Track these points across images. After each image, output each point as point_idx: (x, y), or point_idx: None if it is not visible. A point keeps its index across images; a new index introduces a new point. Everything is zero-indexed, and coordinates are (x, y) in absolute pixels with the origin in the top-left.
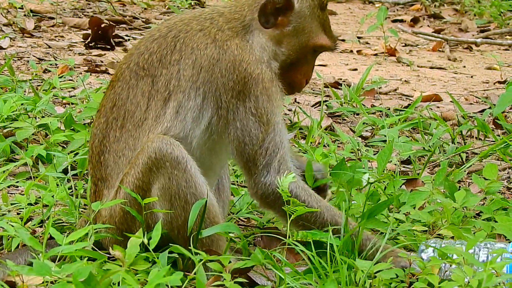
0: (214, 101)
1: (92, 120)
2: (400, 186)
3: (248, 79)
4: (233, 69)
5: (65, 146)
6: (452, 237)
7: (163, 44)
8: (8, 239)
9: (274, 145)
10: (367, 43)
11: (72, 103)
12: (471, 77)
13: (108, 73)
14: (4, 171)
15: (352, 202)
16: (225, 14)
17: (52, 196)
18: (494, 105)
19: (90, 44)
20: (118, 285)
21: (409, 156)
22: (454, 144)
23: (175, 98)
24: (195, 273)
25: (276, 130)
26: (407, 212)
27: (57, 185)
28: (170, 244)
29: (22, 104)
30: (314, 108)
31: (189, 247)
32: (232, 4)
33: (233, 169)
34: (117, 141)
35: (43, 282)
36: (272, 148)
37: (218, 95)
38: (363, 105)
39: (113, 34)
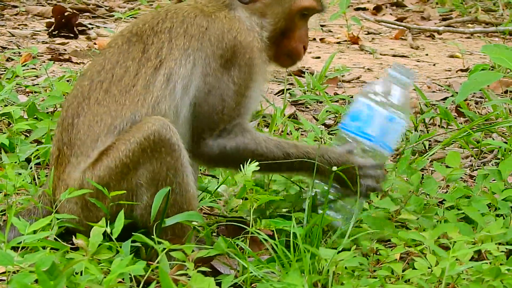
0: (204, 68)
1: (55, 109)
2: None
3: (238, 47)
4: (222, 37)
5: (28, 135)
6: None
7: (156, 16)
8: None
9: (238, 115)
10: (330, 31)
11: (35, 92)
12: (434, 65)
13: (72, 62)
14: None
15: (316, 190)
16: None
17: (13, 185)
18: (457, 93)
19: (53, 33)
20: (81, 274)
21: None
22: (417, 132)
23: (166, 65)
24: (158, 262)
25: (246, 103)
26: (370, 200)
27: (19, 174)
28: (133, 233)
29: None
30: (277, 96)
31: (152, 236)
32: None
33: None
34: (98, 103)
35: (5, 272)
36: (237, 117)
37: (208, 63)
38: (326, 93)
39: (77, 22)
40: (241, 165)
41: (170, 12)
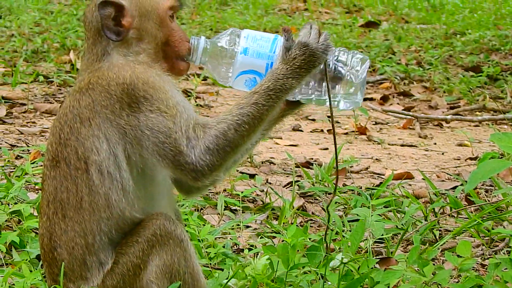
0: (117, 133)
1: None
2: (374, 265)
3: (124, 88)
4: (108, 94)
5: (38, 232)
6: None
7: (53, 130)
8: None
9: (185, 122)
10: (337, 122)
11: None
12: (442, 154)
13: None
14: None
15: (328, 283)
16: (83, 65)
17: (26, 283)
18: (466, 181)
19: None
20: None
21: (382, 235)
22: (427, 221)
23: (90, 161)
24: None
25: (179, 109)
26: None
27: (30, 271)
28: None
29: None
30: (286, 188)
31: None
32: (86, 52)
33: (206, 252)
34: (65, 232)
35: None
36: (184, 126)
37: (116, 125)
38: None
39: None
40: (240, 148)
41: (61, 117)
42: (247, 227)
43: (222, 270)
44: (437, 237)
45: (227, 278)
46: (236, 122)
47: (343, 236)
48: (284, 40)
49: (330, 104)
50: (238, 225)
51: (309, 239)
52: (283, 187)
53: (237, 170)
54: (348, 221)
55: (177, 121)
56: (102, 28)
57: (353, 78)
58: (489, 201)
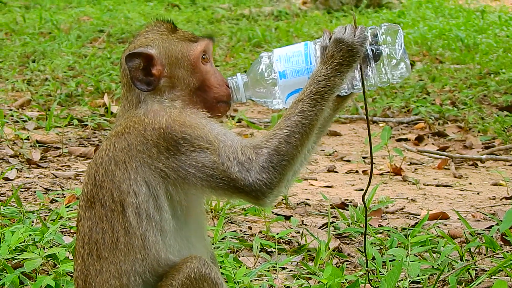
0: (157, 176)
1: None
2: None
3: (161, 132)
4: (144, 140)
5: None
6: None
7: (89, 171)
8: None
9: (229, 150)
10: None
11: None
12: (478, 193)
13: None
14: None
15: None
16: (120, 112)
17: None
18: (501, 221)
19: None
20: None
21: (419, 275)
22: (463, 261)
23: (127, 203)
24: None
25: (221, 139)
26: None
27: None
28: None
29: (30, 235)
30: (321, 229)
31: None
32: (122, 98)
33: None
34: (99, 274)
35: None
36: (231, 154)
37: (154, 168)
38: (370, 225)
39: None
40: (296, 159)
41: (96, 159)
42: (283, 268)
43: None
44: (473, 277)
45: None
46: (286, 135)
47: (381, 274)
48: (322, 40)
49: (363, 88)
50: (274, 266)
51: (345, 279)
52: (319, 228)
53: (273, 212)
54: (384, 262)
55: (221, 153)
56: (132, 81)
57: (393, 53)
58: None
